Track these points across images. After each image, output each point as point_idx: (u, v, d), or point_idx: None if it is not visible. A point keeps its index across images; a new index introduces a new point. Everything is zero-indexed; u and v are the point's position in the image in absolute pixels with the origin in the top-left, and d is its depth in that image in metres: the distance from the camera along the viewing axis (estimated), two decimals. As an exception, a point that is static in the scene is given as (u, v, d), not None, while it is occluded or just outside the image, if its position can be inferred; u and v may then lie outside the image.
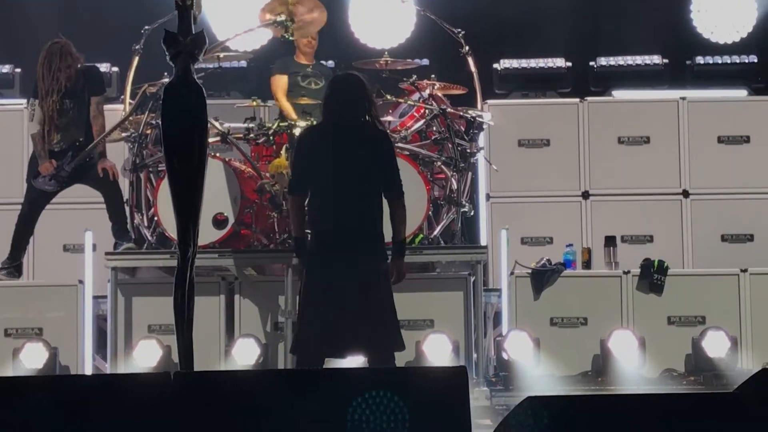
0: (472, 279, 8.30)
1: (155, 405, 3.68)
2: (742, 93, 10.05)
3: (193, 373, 4.22)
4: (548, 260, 8.60)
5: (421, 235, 8.41)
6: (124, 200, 8.61)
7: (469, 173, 8.76)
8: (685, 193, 9.56)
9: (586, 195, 9.58)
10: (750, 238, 9.47)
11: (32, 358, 8.10)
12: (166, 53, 4.61)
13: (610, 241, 8.98)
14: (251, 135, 8.41)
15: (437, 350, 8.05)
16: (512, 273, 8.53)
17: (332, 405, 3.78)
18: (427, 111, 8.63)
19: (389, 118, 8.64)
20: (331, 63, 9.87)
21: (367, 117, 6.78)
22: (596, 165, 9.58)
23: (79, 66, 8.47)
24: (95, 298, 8.50)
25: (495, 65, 10.11)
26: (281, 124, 8.40)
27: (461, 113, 8.76)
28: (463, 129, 8.77)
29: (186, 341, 4.51)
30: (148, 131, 8.48)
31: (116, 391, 3.81)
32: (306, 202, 6.86)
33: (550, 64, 10.13)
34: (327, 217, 6.71)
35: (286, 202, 8.03)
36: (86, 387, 3.96)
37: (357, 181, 6.68)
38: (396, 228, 6.75)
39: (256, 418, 3.63)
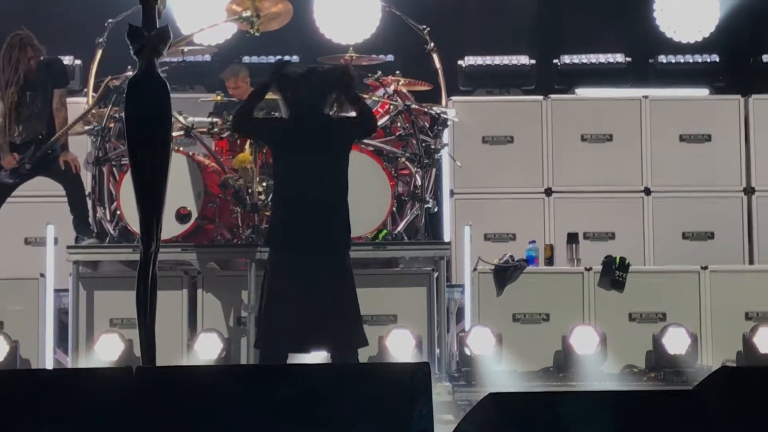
0: (436, 275, 8.32)
1: (117, 399, 3.67)
2: (703, 92, 10.12)
3: (155, 367, 4.22)
4: (511, 256, 8.63)
5: (385, 231, 8.42)
6: (86, 193, 8.56)
7: (433, 169, 8.78)
8: (647, 191, 9.62)
9: (549, 192, 9.62)
10: (711, 235, 9.55)
11: (-8, 352, 8.05)
12: (130, 47, 4.59)
13: (572, 237, 9.02)
14: (215, 129, 8.38)
15: (400, 345, 8.07)
16: (475, 269, 8.56)
17: (295, 401, 3.78)
18: (391, 107, 8.64)
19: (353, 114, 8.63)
20: (296, 58, 9.85)
21: (330, 109, 6.78)
22: (559, 162, 9.63)
23: (42, 58, 8.41)
24: (56, 291, 8.45)
25: (460, 62, 10.14)
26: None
27: (426, 110, 8.78)
28: (428, 125, 8.80)
29: (148, 336, 4.50)
30: (111, 125, 8.45)
31: (78, 385, 3.80)
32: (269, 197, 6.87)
33: (515, 62, 10.17)
34: (292, 207, 6.72)
35: (250, 196, 8.03)
36: (48, 381, 3.94)
37: (324, 172, 6.69)
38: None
39: (218, 414, 3.63)
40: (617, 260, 8.56)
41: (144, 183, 4.52)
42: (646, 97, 9.73)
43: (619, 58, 10.21)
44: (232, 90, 9.08)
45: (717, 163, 9.60)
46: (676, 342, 8.26)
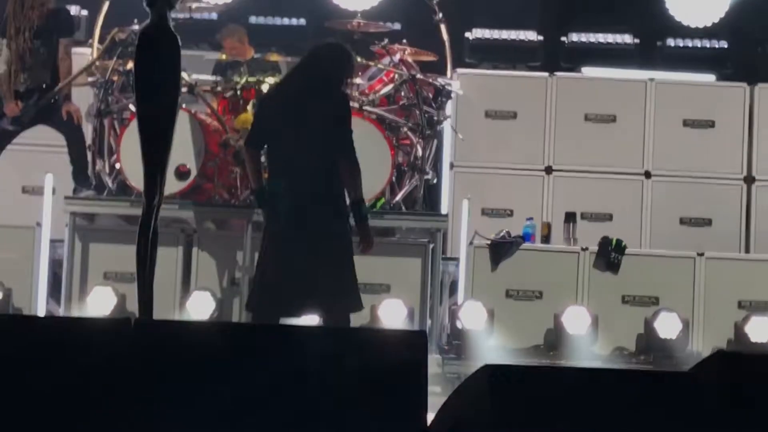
0: (431, 246, 8.32)
1: (114, 350, 3.66)
2: (710, 78, 10.10)
3: (154, 321, 4.21)
4: (508, 232, 8.63)
5: (383, 200, 8.41)
6: (87, 146, 8.53)
7: (435, 141, 8.77)
8: (647, 174, 9.61)
9: (549, 170, 9.60)
10: (708, 222, 9.54)
11: (-15, 299, 8.05)
12: (143, -1, 4.56)
13: (570, 217, 9.01)
14: (219, 88, 8.35)
15: (392, 315, 8.08)
16: (471, 243, 8.56)
17: (291, 362, 3.77)
18: (396, 76, 8.61)
19: (358, 80, 8.61)
20: (303, 21, 9.80)
21: (332, 85, 6.75)
22: (561, 140, 9.60)
23: (49, 6, 8.36)
24: (52, 241, 8.44)
25: (467, 34, 10.09)
26: (249, 79, 8.35)
27: (430, 80, 8.75)
28: (432, 96, 8.78)
29: (146, 289, 4.49)
30: (115, 78, 8.42)
31: (75, 334, 3.79)
32: (264, 160, 6.86)
33: (522, 37, 10.13)
34: (288, 178, 6.70)
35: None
36: (45, 328, 3.93)
37: (317, 144, 6.67)
38: (351, 186, 6.70)
39: (213, 370, 3.62)
40: (613, 242, 8.56)
41: (150, 136, 4.50)
42: (651, 79, 9.70)
43: (627, 39, 10.17)
44: (229, 50, 9.05)
45: (719, 150, 9.58)
46: (667, 326, 8.27)
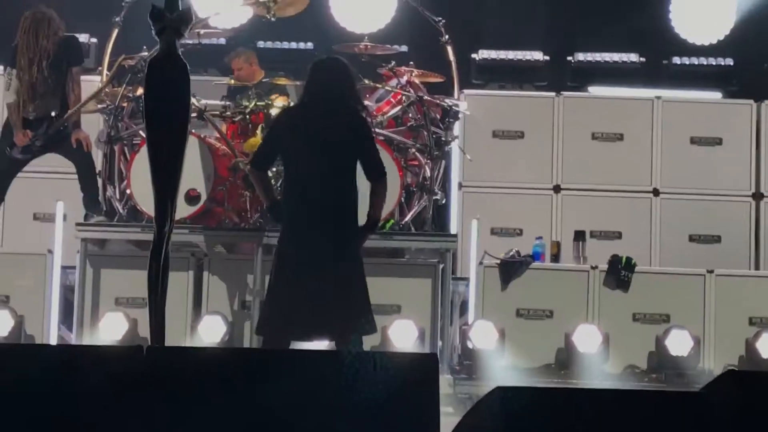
0: (441, 267, 8.33)
1: (126, 378, 3.68)
2: (716, 95, 10.12)
3: (166, 347, 4.23)
4: (517, 252, 8.64)
5: (392, 221, 8.43)
6: (97, 172, 8.58)
7: (443, 161, 8.80)
8: (656, 192, 9.62)
9: (557, 189, 9.62)
10: (717, 239, 9.55)
11: (-2, 326, 8.08)
12: (152, 28, 4.59)
13: (579, 235, 9.03)
14: (228, 113, 8.40)
15: (403, 336, 8.09)
16: (481, 263, 8.57)
17: (302, 386, 3.79)
18: (404, 97, 8.65)
19: (366, 102, 8.64)
20: (310, 45, 9.85)
21: (348, 101, 6.79)
22: (569, 159, 9.62)
23: (61, 35, 8.42)
24: (64, 268, 8.48)
25: (473, 55, 10.13)
26: (258, 103, 8.39)
27: (438, 101, 8.78)
28: (439, 117, 8.81)
29: (158, 316, 4.51)
30: (125, 104, 8.47)
31: (87, 362, 3.81)
32: (279, 184, 6.88)
33: (528, 57, 10.16)
34: (302, 200, 6.72)
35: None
36: (57, 357, 3.95)
37: (331, 162, 6.69)
38: (373, 205, 6.75)
39: (226, 396, 3.64)
40: (623, 260, 8.57)
41: (161, 163, 4.53)
42: (658, 97, 9.73)
43: (633, 57, 10.20)
44: (236, 72, 9.13)
45: (727, 167, 9.59)
46: (678, 344, 8.27)
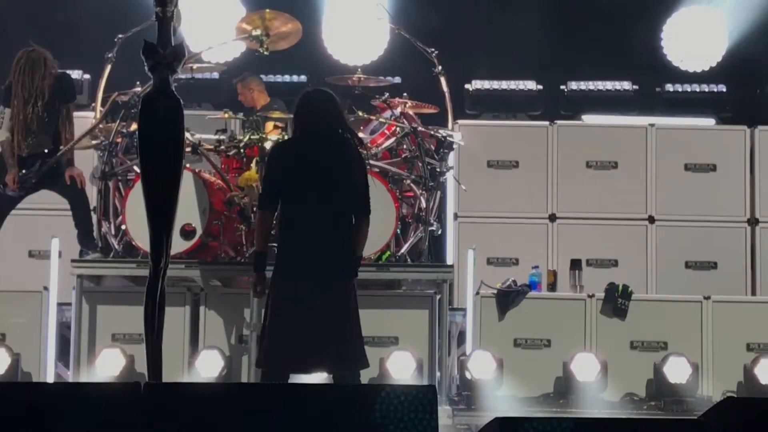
0: (438, 297, 8.33)
1: (124, 415, 3.67)
2: (710, 122, 10.16)
3: (164, 384, 4.21)
4: (514, 281, 8.64)
5: (389, 253, 8.42)
6: (91, 208, 8.58)
7: (438, 192, 8.80)
8: (651, 219, 9.63)
9: (553, 218, 9.63)
10: (714, 265, 9.55)
11: (-6, 364, 8.05)
12: (145, 64, 4.60)
13: (575, 264, 9.03)
14: (222, 147, 8.40)
15: (401, 368, 8.07)
16: (478, 293, 8.56)
17: (302, 421, 3.78)
18: (398, 129, 8.66)
19: (360, 134, 8.65)
20: (303, 78, 9.87)
21: (339, 131, 6.80)
22: (564, 188, 9.64)
23: (55, 73, 8.45)
24: (59, 305, 8.46)
25: (467, 86, 10.17)
26: (252, 137, 8.40)
27: (432, 132, 8.80)
28: (434, 148, 8.81)
29: (155, 351, 4.50)
30: (119, 139, 8.47)
31: (85, 399, 3.79)
32: (275, 216, 6.86)
33: (522, 87, 10.20)
34: (298, 232, 6.71)
35: (254, 215, 8.02)
36: (54, 394, 3.93)
37: (327, 196, 6.69)
38: (356, 243, 6.75)
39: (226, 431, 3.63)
40: (620, 288, 8.56)
41: (155, 200, 4.52)
42: (652, 125, 9.76)
43: (626, 85, 10.24)
44: (240, 96, 9.26)
45: (721, 193, 9.61)
46: (677, 371, 8.26)
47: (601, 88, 10.25)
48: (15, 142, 8.33)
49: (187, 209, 8.06)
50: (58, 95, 8.41)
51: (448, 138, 8.82)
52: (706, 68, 10.48)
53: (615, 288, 8.57)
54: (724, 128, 10.00)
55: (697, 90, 10.36)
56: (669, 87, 10.37)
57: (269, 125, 8.76)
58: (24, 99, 8.31)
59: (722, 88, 10.34)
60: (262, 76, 10.30)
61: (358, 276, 6.83)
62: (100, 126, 8.53)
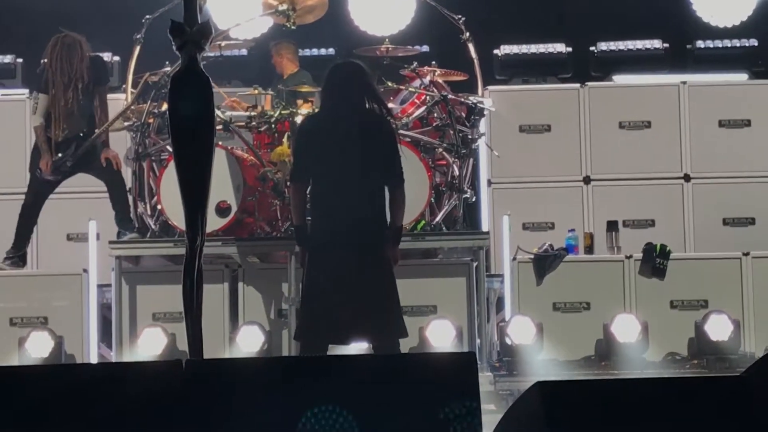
0: (475, 264, 8.32)
1: (167, 393, 3.70)
2: (742, 77, 10.06)
3: (205, 360, 4.24)
4: (550, 245, 8.62)
5: (423, 222, 8.43)
6: (127, 189, 8.63)
7: (471, 159, 8.78)
8: (687, 178, 9.58)
9: (587, 180, 9.60)
10: (751, 221, 9.50)
11: (38, 347, 8.12)
12: (173, 43, 4.60)
13: (611, 225, 9.00)
14: (253, 123, 8.42)
15: (440, 336, 8.08)
16: (514, 258, 8.55)
17: (341, 392, 3.79)
18: (428, 98, 8.64)
19: (390, 105, 8.64)
20: (331, 51, 9.86)
21: (368, 102, 6.78)
22: (597, 150, 9.60)
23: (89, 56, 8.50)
24: (99, 286, 8.52)
25: (495, 51, 10.11)
26: (283, 112, 8.41)
27: (462, 99, 8.77)
28: (464, 115, 8.79)
29: (195, 329, 4.52)
30: (150, 120, 8.50)
31: (128, 379, 3.82)
32: (308, 190, 6.87)
33: (551, 50, 10.13)
34: (330, 205, 6.72)
35: (288, 189, 8.04)
36: (98, 375, 3.97)
37: (359, 168, 6.69)
38: (393, 214, 6.76)
39: (269, 405, 3.65)
40: (658, 247, 8.53)
41: (188, 178, 4.53)
42: (684, 83, 9.69)
43: (657, 44, 10.16)
44: (273, 59, 9.33)
45: (757, 148, 9.54)
46: (718, 329, 8.23)
47: (631, 47, 10.17)
48: (53, 127, 8.39)
49: (221, 187, 8.09)
50: (92, 78, 8.46)
51: (478, 104, 8.79)
52: (737, 23, 10.36)
53: (653, 248, 8.54)
54: (757, 83, 9.90)
55: (729, 45, 10.25)
56: (700, 43, 10.27)
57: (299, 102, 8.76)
58: (64, 84, 8.36)
59: (754, 42, 10.23)
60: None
61: (399, 246, 6.83)
62: (132, 107, 8.57)
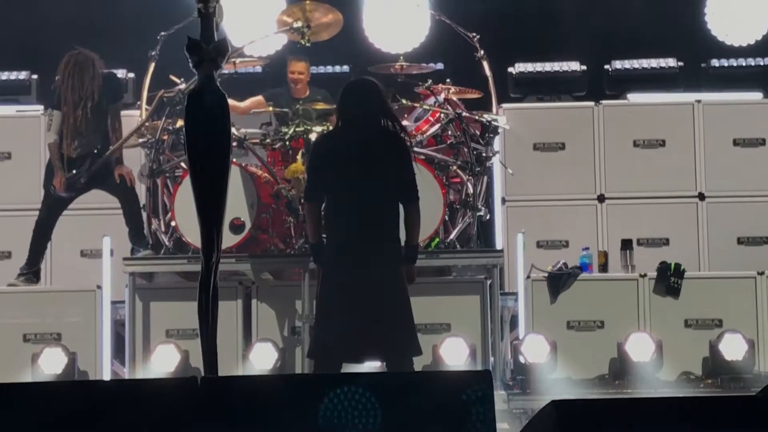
0: (489, 282, 8.31)
1: (183, 410, 3.69)
2: (757, 95, 10.04)
3: (220, 378, 4.24)
4: (564, 264, 8.60)
5: (437, 239, 8.42)
6: (141, 206, 8.64)
7: (485, 177, 8.78)
8: (701, 196, 9.56)
9: (601, 198, 9.59)
10: (766, 240, 9.46)
11: (51, 364, 8.13)
12: (189, 60, 4.62)
13: (626, 244, 8.97)
14: (267, 140, 8.43)
15: (454, 354, 8.07)
16: (528, 276, 8.54)
17: (356, 410, 3.79)
18: (442, 115, 8.64)
19: (404, 122, 8.65)
20: (346, 68, 9.87)
21: (382, 120, 6.79)
22: (612, 168, 9.59)
23: (103, 73, 8.53)
24: (113, 303, 8.53)
25: (510, 69, 10.11)
26: (297, 129, 8.42)
27: (476, 117, 8.78)
28: (479, 133, 8.80)
29: (210, 346, 4.52)
30: (165, 137, 8.52)
31: (143, 395, 3.82)
32: (322, 207, 6.87)
33: (565, 68, 10.13)
34: (344, 223, 6.72)
35: (302, 207, 8.05)
36: (112, 392, 3.97)
37: (374, 186, 6.69)
38: (409, 232, 6.76)
39: (283, 424, 3.65)
40: (672, 266, 8.51)
41: (205, 195, 4.55)
42: (698, 101, 9.68)
43: (671, 62, 10.14)
44: (288, 74, 9.13)
45: (772, 168, 9.52)
46: (733, 348, 8.19)
47: (645, 65, 10.16)
48: (64, 144, 8.42)
49: (236, 203, 8.10)
50: (106, 95, 8.49)
51: (493, 122, 8.79)
52: (752, 41, 10.35)
53: (667, 267, 8.52)
54: (771, 102, 9.90)
55: (743, 64, 10.24)
56: (714, 62, 10.26)
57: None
58: (74, 102, 8.39)
59: (768, 61, 10.24)
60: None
61: (415, 264, 6.82)
62: (147, 124, 8.59)
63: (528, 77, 10.11)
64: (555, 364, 8.16)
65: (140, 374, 8.02)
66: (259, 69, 10.06)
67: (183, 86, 8.40)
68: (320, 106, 8.93)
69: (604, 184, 9.59)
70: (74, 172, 8.44)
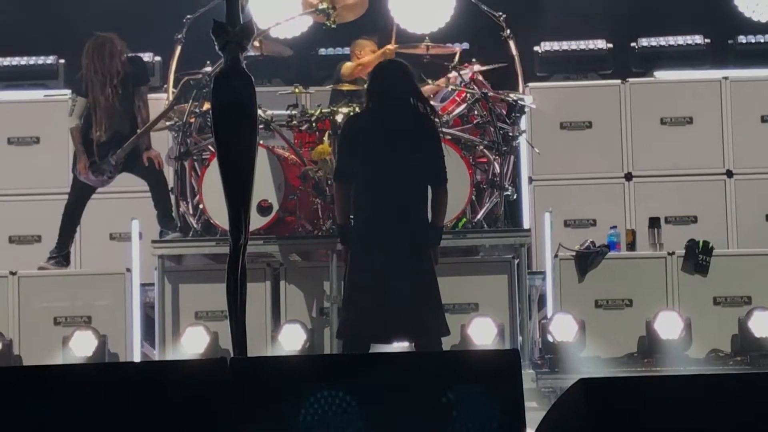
0: (516, 262, 8.31)
1: (212, 391, 3.72)
2: (784, 71, 9.99)
3: (250, 358, 4.26)
4: (592, 242, 8.59)
5: (465, 219, 8.43)
6: (169, 188, 8.68)
7: (512, 156, 8.76)
8: (729, 173, 9.52)
9: (629, 176, 9.56)
10: (795, 216, 9.43)
11: (81, 346, 8.19)
12: (215, 43, 4.63)
13: (654, 222, 8.96)
14: (294, 122, 8.44)
15: (482, 333, 8.07)
16: (556, 256, 8.53)
17: (386, 390, 3.80)
18: (468, 95, 8.63)
19: (431, 102, 8.63)
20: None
21: (413, 102, 6.79)
22: (639, 146, 9.56)
23: (126, 55, 8.55)
24: (142, 285, 8.59)
25: (536, 48, 10.09)
26: (324, 110, 8.43)
27: (503, 97, 8.76)
28: (505, 112, 8.78)
29: (239, 327, 4.55)
30: (192, 120, 8.54)
31: (173, 377, 3.85)
32: (351, 189, 6.87)
33: (591, 46, 10.10)
34: (373, 204, 6.73)
35: (329, 188, 8.06)
36: (142, 373, 3.99)
37: (403, 167, 6.69)
38: (435, 214, 6.76)
39: (313, 404, 3.67)
40: (700, 244, 8.48)
41: (232, 176, 4.56)
42: (726, 78, 9.64)
43: (698, 39, 10.10)
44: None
45: (800, 143, 9.47)
46: (762, 325, 8.17)
47: (672, 43, 10.11)
48: (95, 128, 8.45)
49: (263, 185, 8.12)
50: (132, 78, 8.52)
51: (519, 102, 8.77)
52: (780, 17, 10.29)
53: (695, 244, 8.50)
54: (799, 78, 9.84)
55: (771, 40, 10.19)
56: (741, 38, 10.20)
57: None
58: (100, 83, 8.43)
59: (796, 36, 10.17)
60: (331, 49, 10.32)
61: (439, 245, 6.83)
62: (174, 107, 8.62)
63: (554, 56, 10.08)
64: (583, 342, 8.16)
65: (170, 356, 8.08)
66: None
67: (209, 69, 8.41)
68: (347, 87, 8.92)
69: (632, 163, 9.56)
70: (104, 157, 8.48)
